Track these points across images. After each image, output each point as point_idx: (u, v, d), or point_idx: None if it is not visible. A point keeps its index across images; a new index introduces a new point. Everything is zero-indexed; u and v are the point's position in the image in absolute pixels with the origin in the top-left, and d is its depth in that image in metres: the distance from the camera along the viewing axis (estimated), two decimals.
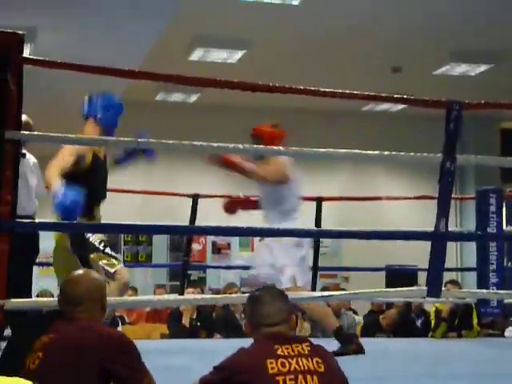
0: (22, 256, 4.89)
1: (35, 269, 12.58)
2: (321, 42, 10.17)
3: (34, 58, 4.02)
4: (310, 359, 2.72)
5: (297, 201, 5.28)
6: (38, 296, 8.56)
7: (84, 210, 4.18)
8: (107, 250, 4.43)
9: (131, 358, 2.76)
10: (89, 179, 4.44)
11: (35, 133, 3.61)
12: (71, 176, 4.34)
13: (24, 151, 5.54)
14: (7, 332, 6.82)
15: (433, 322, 7.92)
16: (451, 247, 5.62)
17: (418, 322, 9.29)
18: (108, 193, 5.83)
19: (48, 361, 2.67)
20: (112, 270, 4.38)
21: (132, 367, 2.74)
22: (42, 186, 5.13)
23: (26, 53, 5.87)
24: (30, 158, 5.21)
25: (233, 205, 5.50)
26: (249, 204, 5.59)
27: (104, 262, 4.40)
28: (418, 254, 6.34)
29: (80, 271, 3.08)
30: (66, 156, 4.40)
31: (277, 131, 5.41)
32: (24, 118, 5.51)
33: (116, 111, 4.75)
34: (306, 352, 2.75)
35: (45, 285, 9.64)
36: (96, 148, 4.61)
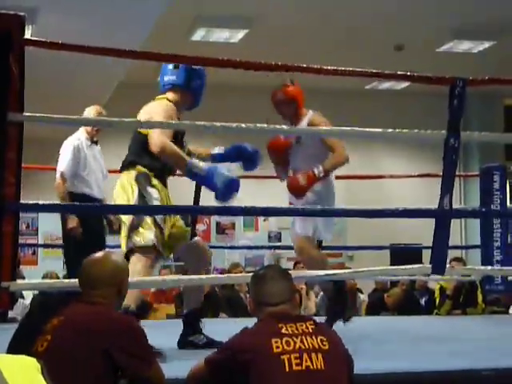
0: (90, 240, 5.30)
1: (40, 250, 12.59)
2: (322, 20, 10.13)
3: (36, 39, 4.01)
4: (314, 337, 2.73)
5: None
6: (43, 277, 8.59)
7: (161, 173, 4.33)
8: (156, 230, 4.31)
9: (138, 345, 2.72)
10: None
11: (37, 114, 3.60)
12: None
13: (96, 139, 5.79)
14: (12, 314, 6.86)
15: (437, 299, 7.93)
16: (455, 225, 5.61)
17: (423, 300, 9.30)
18: (111, 173, 5.90)
19: (56, 343, 2.66)
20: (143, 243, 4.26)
21: (138, 355, 2.70)
22: (106, 171, 5.85)
23: (28, 34, 5.86)
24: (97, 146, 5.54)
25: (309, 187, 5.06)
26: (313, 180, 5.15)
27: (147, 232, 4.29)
28: (422, 232, 6.34)
29: (101, 253, 2.99)
30: (168, 132, 4.26)
31: (299, 87, 5.27)
32: (97, 108, 5.68)
33: (204, 82, 4.67)
34: (310, 330, 2.75)
35: (49, 266, 9.68)
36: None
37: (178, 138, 4.39)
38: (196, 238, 4.60)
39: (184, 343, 4.45)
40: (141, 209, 4.32)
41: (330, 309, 5.15)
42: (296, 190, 5.05)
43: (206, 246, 4.67)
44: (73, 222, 5.61)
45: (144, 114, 4.38)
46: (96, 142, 6.10)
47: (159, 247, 4.24)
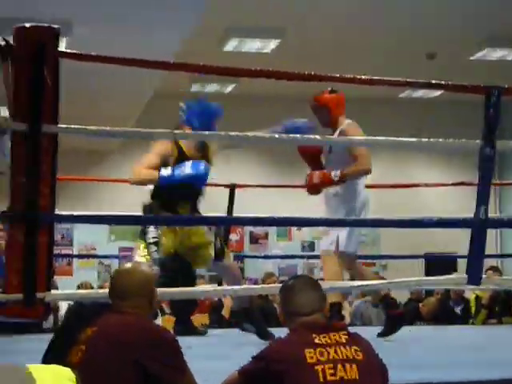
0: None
1: (75, 261, 12.68)
2: (355, 28, 10.12)
3: (70, 51, 4.04)
4: (348, 347, 2.71)
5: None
6: (78, 288, 8.64)
7: (166, 204, 4.76)
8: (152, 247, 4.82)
9: (171, 355, 2.72)
10: None
11: (72, 126, 3.62)
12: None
13: None
14: (47, 325, 6.91)
15: (473, 308, 7.87)
16: (491, 233, 5.58)
17: (458, 309, 9.23)
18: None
19: (90, 354, 2.67)
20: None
21: (171, 365, 2.70)
22: None
23: (62, 46, 5.92)
24: None
25: (323, 186, 5.27)
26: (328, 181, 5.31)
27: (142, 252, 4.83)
28: (457, 241, 6.30)
29: (130, 264, 3.05)
30: (151, 157, 4.75)
31: (339, 96, 5.34)
32: None
33: (210, 117, 4.92)
34: (344, 340, 2.74)
35: (84, 277, 9.74)
36: (183, 146, 4.87)
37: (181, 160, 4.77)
38: (224, 262, 5.01)
39: None
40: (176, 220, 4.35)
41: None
42: (309, 187, 5.25)
43: (234, 268, 5.13)
44: None
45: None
46: None
47: None
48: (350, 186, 5.20)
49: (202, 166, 4.65)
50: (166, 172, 4.64)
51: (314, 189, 5.25)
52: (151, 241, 4.76)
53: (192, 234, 4.87)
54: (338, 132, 5.20)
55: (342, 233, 5.14)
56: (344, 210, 5.16)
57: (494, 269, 7.68)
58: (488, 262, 7.32)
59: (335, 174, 5.11)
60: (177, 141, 4.85)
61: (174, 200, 4.81)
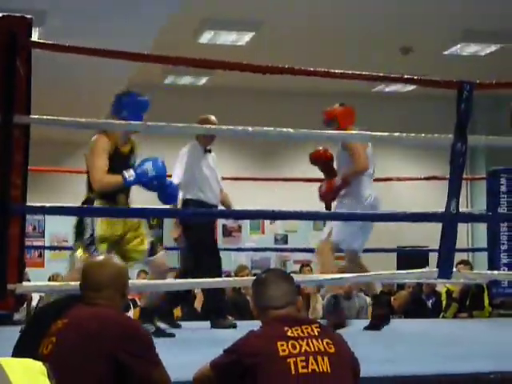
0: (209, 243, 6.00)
1: (47, 252, 12.61)
2: (329, 22, 10.13)
3: (43, 41, 4.01)
4: (320, 340, 2.72)
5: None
6: (49, 280, 8.59)
7: (105, 196, 4.79)
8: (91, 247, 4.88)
9: (143, 348, 2.71)
10: (110, 169, 4.79)
11: (44, 117, 3.60)
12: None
13: (209, 148, 5.85)
14: (18, 316, 6.88)
15: (444, 302, 7.92)
16: (462, 227, 5.61)
17: (429, 303, 9.28)
18: None
19: (60, 346, 2.65)
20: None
21: (142, 357, 2.69)
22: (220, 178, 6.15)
23: (35, 37, 5.87)
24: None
25: (331, 193, 5.56)
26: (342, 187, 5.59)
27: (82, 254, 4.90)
28: (428, 235, 6.33)
29: (102, 257, 3.05)
30: (102, 161, 4.78)
31: (348, 108, 5.63)
32: (211, 118, 5.77)
33: (140, 109, 4.94)
34: (316, 333, 2.75)
35: (56, 268, 9.69)
36: (117, 140, 4.88)
37: (115, 158, 4.84)
38: (155, 257, 5.01)
39: None
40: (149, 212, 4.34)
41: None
42: (320, 198, 5.65)
43: (162, 264, 5.06)
44: (176, 231, 6.17)
45: (88, 150, 4.92)
46: (210, 151, 6.21)
47: None
48: (353, 191, 5.47)
49: (160, 164, 4.71)
50: (129, 175, 4.69)
51: (324, 198, 5.64)
52: (87, 242, 4.83)
53: (130, 238, 4.93)
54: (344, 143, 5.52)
55: (336, 225, 5.38)
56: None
57: (465, 262, 7.73)
58: (459, 256, 7.37)
59: (338, 179, 5.46)
60: (110, 135, 4.84)
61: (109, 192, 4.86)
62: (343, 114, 5.56)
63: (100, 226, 4.76)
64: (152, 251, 4.97)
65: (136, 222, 4.92)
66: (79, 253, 4.84)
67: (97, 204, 4.79)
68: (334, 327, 4.76)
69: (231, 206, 6.18)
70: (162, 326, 5.48)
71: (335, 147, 5.73)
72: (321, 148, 5.76)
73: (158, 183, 4.71)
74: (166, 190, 4.88)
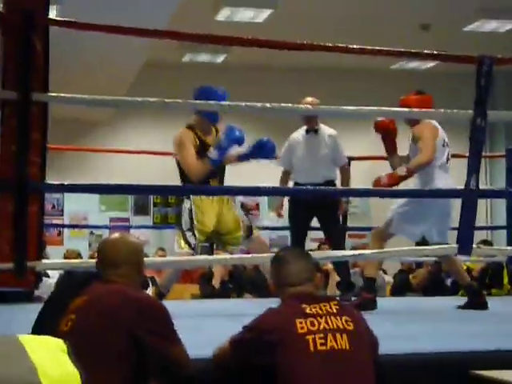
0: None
1: (66, 231, 12.66)
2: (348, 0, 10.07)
3: (60, 19, 4.01)
4: (338, 318, 2.72)
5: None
6: (64, 257, 8.61)
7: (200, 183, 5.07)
8: (188, 233, 5.10)
9: (161, 325, 2.71)
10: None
11: (62, 94, 3.60)
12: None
13: (317, 127, 5.84)
14: (38, 292, 6.93)
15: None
16: (481, 205, 5.57)
17: (449, 281, 9.26)
18: (138, 155, 5.96)
19: (80, 323, 2.66)
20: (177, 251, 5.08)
21: (161, 335, 2.70)
22: (340, 155, 6.21)
23: (52, 14, 5.86)
24: (325, 130, 6.12)
25: (391, 185, 5.36)
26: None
27: (180, 240, 5.11)
28: None
29: (118, 234, 3.06)
30: (190, 151, 5.09)
31: (424, 97, 5.45)
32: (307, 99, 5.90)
33: (213, 98, 5.05)
34: (335, 311, 2.75)
35: (75, 247, 9.73)
36: (199, 132, 5.19)
37: (201, 148, 5.15)
38: (252, 236, 5.31)
39: None
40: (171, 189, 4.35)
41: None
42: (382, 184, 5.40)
43: (263, 243, 5.46)
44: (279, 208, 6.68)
45: (174, 146, 5.22)
46: (316, 131, 6.20)
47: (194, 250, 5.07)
48: (423, 181, 5.33)
49: (235, 130, 5.09)
50: (212, 154, 5.01)
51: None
52: (186, 227, 5.06)
53: (224, 220, 5.20)
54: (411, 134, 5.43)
55: (396, 215, 5.30)
56: (417, 206, 5.26)
57: (485, 242, 7.70)
58: (479, 235, 7.35)
59: (401, 169, 5.29)
60: (195, 131, 5.16)
61: (203, 178, 5.11)
62: (417, 102, 5.36)
63: (196, 212, 5.10)
64: (248, 234, 5.24)
65: (231, 214, 5.23)
66: (178, 239, 5.09)
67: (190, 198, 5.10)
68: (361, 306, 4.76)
69: (346, 183, 6.34)
70: None
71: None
72: (386, 119, 5.61)
73: (241, 144, 5.07)
74: (258, 148, 5.18)
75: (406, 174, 5.27)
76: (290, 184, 6.37)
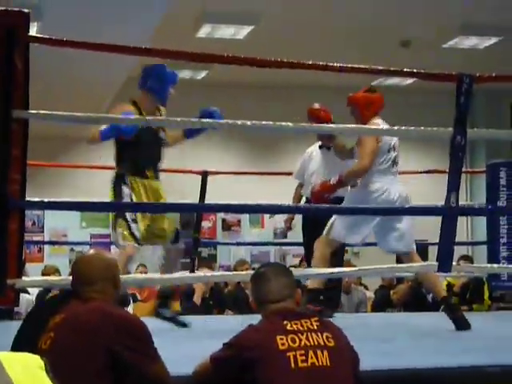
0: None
1: (46, 247, 12.54)
2: (328, 17, 10.11)
3: (41, 36, 4.01)
4: (319, 334, 2.73)
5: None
6: (42, 273, 8.56)
7: (136, 169, 4.87)
8: (133, 225, 4.77)
9: (141, 342, 2.71)
10: (141, 140, 4.84)
11: (43, 112, 3.59)
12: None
13: (331, 144, 5.72)
14: (17, 309, 6.87)
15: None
16: (462, 221, 5.61)
17: (430, 297, 9.28)
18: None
19: (58, 341, 2.66)
20: (122, 243, 4.79)
21: (140, 352, 2.69)
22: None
23: (33, 31, 5.86)
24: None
25: (325, 192, 5.30)
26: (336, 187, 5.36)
27: (124, 232, 4.78)
28: (428, 228, 6.33)
29: (92, 251, 3.08)
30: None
31: (373, 96, 5.36)
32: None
33: (166, 81, 5.03)
34: (315, 327, 2.75)
35: (55, 264, 9.67)
36: (144, 114, 4.90)
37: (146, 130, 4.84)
38: (177, 246, 5.09)
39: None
40: (146, 207, 4.35)
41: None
42: (312, 196, 5.38)
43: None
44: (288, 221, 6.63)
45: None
46: (329, 148, 6.12)
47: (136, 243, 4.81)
48: (362, 184, 5.22)
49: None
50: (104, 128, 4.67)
51: (315, 197, 5.32)
52: (131, 218, 4.77)
53: (160, 220, 4.97)
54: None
55: (336, 218, 5.20)
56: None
57: (465, 257, 7.74)
58: (459, 250, 7.38)
59: (334, 179, 5.20)
60: (138, 108, 4.93)
61: (140, 164, 4.92)
62: (365, 100, 5.27)
63: (136, 199, 4.85)
64: (176, 239, 5.04)
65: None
66: (122, 231, 4.79)
67: (128, 179, 4.86)
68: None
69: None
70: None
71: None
72: (318, 105, 5.42)
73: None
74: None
75: (335, 183, 5.19)
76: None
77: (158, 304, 5.12)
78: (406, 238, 5.25)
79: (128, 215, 4.76)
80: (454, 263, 3.92)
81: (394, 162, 5.30)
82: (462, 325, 5.00)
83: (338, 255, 5.56)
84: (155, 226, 4.95)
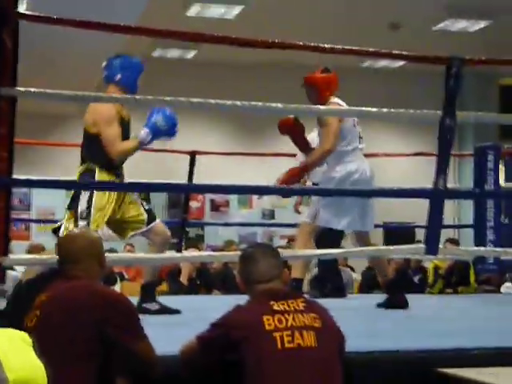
0: None
1: (33, 226, 12.54)
2: None
3: (29, 13, 3.98)
4: (305, 315, 2.73)
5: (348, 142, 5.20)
6: (28, 251, 8.54)
7: (108, 165, 4.62)
8: (80, 222, 4.55)
9: (128, 320, 2.71)
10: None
11: (31, 89, 3.57)
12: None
13: None
14: (2, 286, 6.85)
15: (431, 278, 7.95)
16: (449, 204, 5.64)
17: (416, 278, 9.32)
18: None
19: (44, 319, 2.66)
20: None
21: (127, 330, 2.69)
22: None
23: (22, 8, 5.82)
24: None
25: (292, 178, 5.15)
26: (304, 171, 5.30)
27: (69, 226, 4.56)
28: (415, 211, 6.35)
29: (76, 229, 3.08)
30: (115, 130, 4.63)
31: (330, 76, 5.30)
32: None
33: (134, 71, 4.82)
34: (302, 308, 2.76)
35: (42, 242, 9.65)
36: (120, 110, 4.72)
37: (125, 127, 4.73)
38: (155, 223, 4.80)
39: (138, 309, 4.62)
40: (134, 186, 4.34)
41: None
42: (280, 183, 5.14)
43: (163, 231, 4.82)
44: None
45: (91, 115, 4.66)
46: None
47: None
48: (325, 175, 5.20)
49: (168, 113, 4.56)
50: (144, 135, 4.55)
51: (283, 183, 5.14)
52: (84, 214, 4.57)
53: (126, 209, 4.74)
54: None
55: (322, 208, 5.14)
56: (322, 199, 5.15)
57: (452, 241, 7.76)
58: (445, 233, 7.40)
59: (300, 165, 5.16)
60: (114, 105, 4.71)
61: (112, 160, 4.68)
62: (325, 81, 5.23)
63: (97, 196, 4.58)
64: (150, 219, 4.78)
65: (132, 201, 4.75)
66: (68, 223, 4.58)
67: (98, 176, 4.63)
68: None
69: None
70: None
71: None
72: (291, 116, 5.26)
73: (172, 131, 4.59)
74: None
75: (302, 167, 5.12)
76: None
77: (141, 298, 4.78)
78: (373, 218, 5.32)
79: (79, 211, 4.57)
80: (440, 246, 3.93)
81: (360, 137, 5.28)
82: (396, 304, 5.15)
83: (323, 241, 5.49)
84: (122, 219, 4.74)
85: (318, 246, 5.26)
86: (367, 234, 5.34)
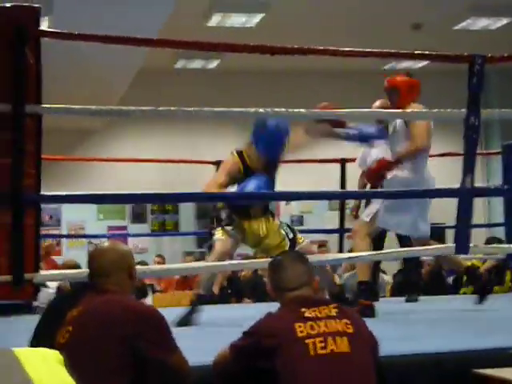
0: None
1: (64, 241, 12.59)
2: (339, 1, 10.07)
3: (51, 30, 4.01)
4: (338, 320, 2.72)
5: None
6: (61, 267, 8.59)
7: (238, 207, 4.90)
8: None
9: (160, 334, 2.71)
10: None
11: (56, 105, 3.60)
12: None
13: None
14: (37, 303, 6.91)
15: (465, 278, 7.88)
16: (478, 204, 5.58)
17: (450, 279, 9.25)
18: (134, 163, 5.84)
19: (77, 334, 2.66)
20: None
21: (160, 344, 2.69)
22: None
23: (44, 25, 5.87)
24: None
25: (383, 169, 5.14)
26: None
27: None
28: (445, 211, 6.31)
29: (106, 243, 3.09)
30: (222, 177, 4.88)
31: (414, 81, 5.25)
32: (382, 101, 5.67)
33: (277, 144, 4.95)
34: (334, 314, 2.75)
35: (74, 256, 9.72)
36: (248, 161, 4.95)
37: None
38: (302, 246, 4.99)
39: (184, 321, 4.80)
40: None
41: None
42: (367, 176, 5.42)
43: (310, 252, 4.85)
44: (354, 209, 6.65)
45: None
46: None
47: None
48: (416, 172, 5.13)
49: (262, 182, 4.69)
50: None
51: (371, 175, 5.25)
52: (226, 222, 4.94)
53: (265, 237, 5.00)
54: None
55: (378, 206, 5.11)
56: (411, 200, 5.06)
57: (494, 239, 7.65)
58: (477, 233, 7.33)
59: (392, 158, 5.12)
60: (243, 156, 4.94)
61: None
62: (406, 85, 5.16)
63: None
64: (293, 243, 4.97)
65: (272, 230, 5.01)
66: (218, 234, 4.91)
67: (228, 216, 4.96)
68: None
69: None
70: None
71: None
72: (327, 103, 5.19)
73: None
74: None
75: (394, 162, 5.09)
76: None
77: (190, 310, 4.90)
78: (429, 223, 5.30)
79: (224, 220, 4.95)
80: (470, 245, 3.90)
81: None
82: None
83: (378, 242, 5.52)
84: (264, 244, 5.04)
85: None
86: (425, 238, 5.23)
